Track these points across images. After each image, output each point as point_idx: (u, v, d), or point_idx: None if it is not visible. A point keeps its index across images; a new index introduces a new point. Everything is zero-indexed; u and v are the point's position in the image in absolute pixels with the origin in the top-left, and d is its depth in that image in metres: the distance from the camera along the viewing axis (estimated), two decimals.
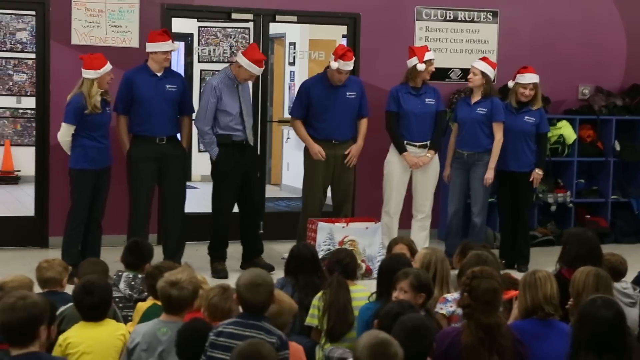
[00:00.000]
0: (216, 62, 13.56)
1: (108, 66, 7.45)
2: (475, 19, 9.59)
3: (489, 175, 8.28)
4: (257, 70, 7.86)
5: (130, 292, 5.41)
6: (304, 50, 12.73)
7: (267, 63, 9.00)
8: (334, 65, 7.93)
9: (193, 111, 8.07)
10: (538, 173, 8.42)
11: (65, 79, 8.21)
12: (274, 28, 9.92)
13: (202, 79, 13.34)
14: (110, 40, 8.53)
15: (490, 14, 9.64)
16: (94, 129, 7.46)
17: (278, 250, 8.52)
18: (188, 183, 9.00)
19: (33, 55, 10.38)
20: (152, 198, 7.89)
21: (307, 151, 8.25)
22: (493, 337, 4.08)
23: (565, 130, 9.52)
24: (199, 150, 11.49)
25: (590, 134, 9.81)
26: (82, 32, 8.50)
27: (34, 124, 9.75)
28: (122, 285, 5.45)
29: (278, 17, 9.12)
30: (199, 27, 13.48)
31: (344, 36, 9.70)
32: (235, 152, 7.91)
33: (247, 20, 9.44)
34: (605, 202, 9.87)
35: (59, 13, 8.48)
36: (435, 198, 8.68)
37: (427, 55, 8.27)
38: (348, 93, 8.16)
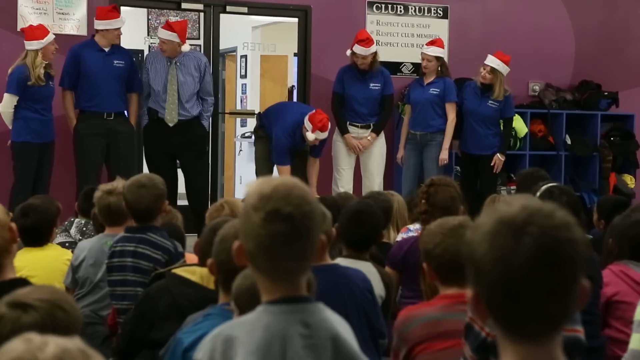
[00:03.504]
0: None
1: (51, 36, 7.41)
2: (425, 14, 9.62)
3: (444, 155, 8.22)
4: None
5: (80, 237, 5.25)
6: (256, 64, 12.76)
7: (217, 78, 9.11)
8: (311, 137, 7.75)
9: (141, 88, 7.93)
10: (500, 158, 8.42)
11: (10, 65, 8.01)
12: (225, 42, 9.81)
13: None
14: (58, 28, 8.38)
15: (440, 9, 9.67)
16: (36, 101, 7.32)
17: None
18: None
19: None
20: (99, 175, 7.68)
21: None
22: None
23: (517, 124, 9.51)
24: None
25: (541, 128, 9.83)
26: (29, 19, 8.35)
27: None
28: (73, 231, 5.31)
29: (229, 8, 9.02)
30: (150, 44, 13.40)
31: (295, 54, 9.64)
32: (161, 129, 7.77)
33: (197, 11, 9.34)
34: None
35: None
36: (389, 180, 8.60)
37: (359, 50, 8.21)
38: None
